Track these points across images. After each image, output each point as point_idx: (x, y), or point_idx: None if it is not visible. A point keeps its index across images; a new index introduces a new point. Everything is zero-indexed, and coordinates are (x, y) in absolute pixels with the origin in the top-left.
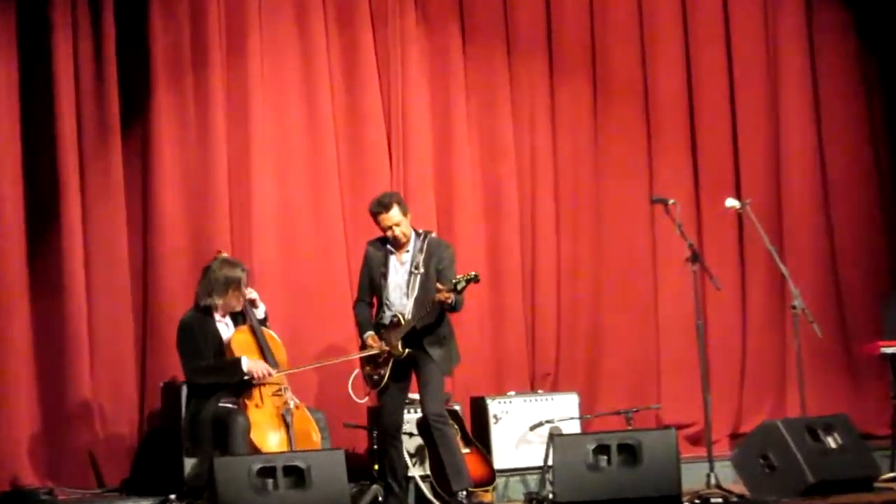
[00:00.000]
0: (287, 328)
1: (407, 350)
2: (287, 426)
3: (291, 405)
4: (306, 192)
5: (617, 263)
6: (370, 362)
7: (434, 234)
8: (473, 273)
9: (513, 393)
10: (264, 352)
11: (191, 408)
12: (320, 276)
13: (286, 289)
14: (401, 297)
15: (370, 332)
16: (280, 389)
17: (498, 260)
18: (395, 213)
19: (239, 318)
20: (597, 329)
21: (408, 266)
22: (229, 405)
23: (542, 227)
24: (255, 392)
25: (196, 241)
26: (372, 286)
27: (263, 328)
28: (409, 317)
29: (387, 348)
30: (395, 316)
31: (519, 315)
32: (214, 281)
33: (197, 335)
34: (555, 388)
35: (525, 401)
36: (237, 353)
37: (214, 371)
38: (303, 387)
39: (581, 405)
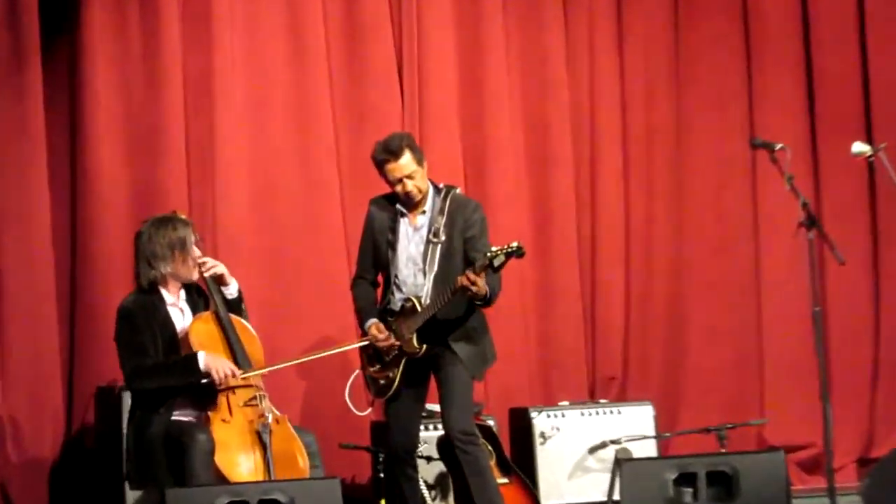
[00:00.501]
0: (264, 315)
1: (424, 346)
2: (264, 446)
3: (270, 419)
4: (289, 137)
5: (704, 230)
6: (375, 361)
7: (459, 191)
8: (515, 244)
9: (566, 403)
10: (233, 346)
11: (135, 422)
12: (307, 246)
13: (261, 263)
14: (415, 273)
15: (373, 321)
16: (255, 398)
17: (546, 226)
18: (406, 162)
19: (200, 303)
20: (678, 318)
21: (424, 232)
22: (187, 419)
23: (605, 181)
24: (222, 401)
25: (141, 204)
26: (377, 259)
27: (234, 316)
28: (428, 302)
29: (397, 343)
30: (407, 300)
31: (574, 298)
32: (151, 248)
33: (140, 324)
34: (622, 396)
35: (582, 414)
36: (196, 349)
37: (162, 371)
38: (285, 395)
39: (657, 420)
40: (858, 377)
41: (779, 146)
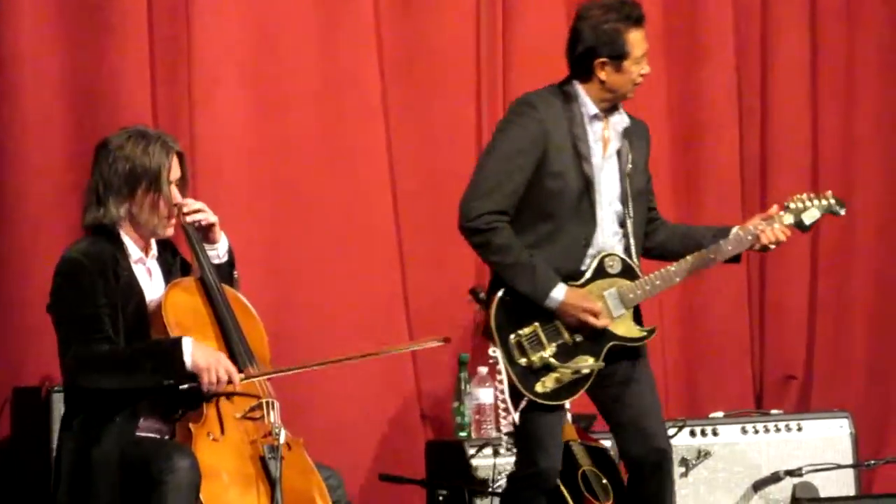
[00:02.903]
0: (264, 287)
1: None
2: (271, 480)
3: (282, 439)
4: (305, 16)
5: None
6: (536, 347)
7: None
8: (832, 197)
9: (720, 414)
10: (228, 331)
11: (74, 436)
12: (333, 180)
13: (262, 207)
14: (613, 219)
15: (565, 286)
16: (258, 406)
17: (695, 146)
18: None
19: (176, 263)
20: (890, 290)
21: (615, 160)
22: (157, 435)
23: (779, 79)
24: (210, 411)
25: (81, 128)
26: (539, 191)
27: (228, 287)
28: (674, 268)
29: (601, 323)
30: (609, 258)
31: (733, 268)
32: (109, 170)
33: (92, 287)
34: (804, 405)
35: (744, 430)
36: (174, 330)
37: (125, 363)
38: (295, 411)
39: (857, 439)
40: None
41: None
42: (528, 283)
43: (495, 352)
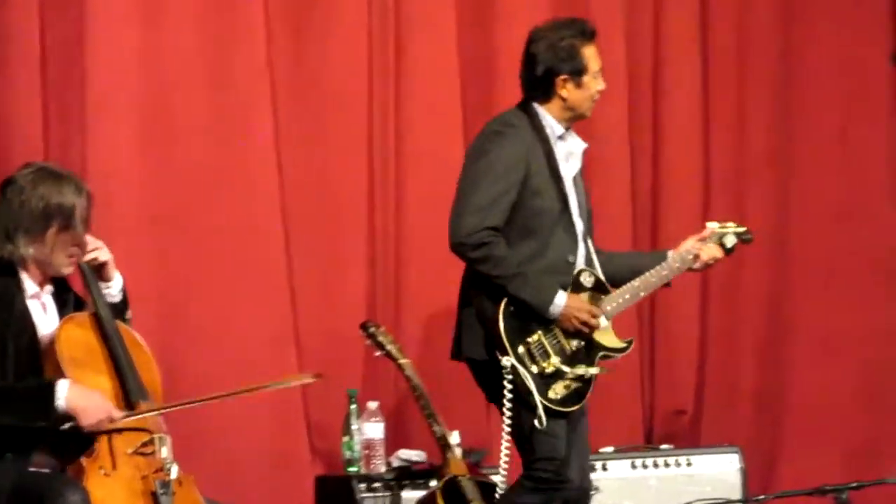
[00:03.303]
0: (154, 319)
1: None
2: None
3: (173, 475)
4: (196, 47)
5: (821, 188)
6: (545, 357)
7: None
8: (742, 227)
9: (609, 450)
10: (121, 367)
11: None
12: (222, 210)
13: (151, 239)
14: (582, 233)
15: (565, 293)
16: (150, 441)
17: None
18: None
19: (70, 298)
20: (779, 322)
21: (578, 179)
22: (47, 470)
23: (673, 119)
24: (102, 446)
25: None
26: (529, 208)
27: (121, 323)
28: (638, 282)
29: (602, 324)
30: (584, 273)
31: None
32: (21, 209)
33: None
34: (695, 440)
35: (633, 465)
36: (67, 365)
37: (4, 401)
38: (184, 447)
39: (747, 474)
40: None
41: None
42: (532, 291)
43: (508, 360)
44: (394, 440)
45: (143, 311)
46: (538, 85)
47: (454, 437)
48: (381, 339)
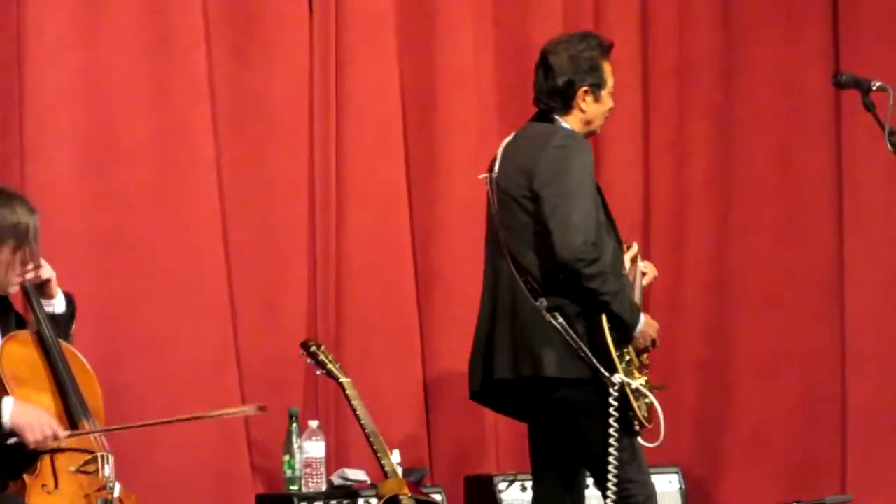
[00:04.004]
0: (96, 339)
1: None
2: None
3: (115, 493)
4: (137, 64)
5: (762, 210)
6: (638, 371)
7: None
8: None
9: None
10: (64, 385)
11: None
12: (164, 231)
13: (93, 258)
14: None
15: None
16: (93, 460)
17: None
18: None
19: (11, 317)
20: (720, 342)
21: None
22: None
23: (614, 136)
24: (45, 463)
25: None
26: (597, 220)
27: (63, 341)
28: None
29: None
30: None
31: None
32: None
33: None
34: None
35: None
36: (9, 383)
37: None
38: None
39: (687, 494)
40: None
41: (876, 85)
42: (629, 309)
43: (619, 377)
44: (335, 459)
45: (84, 330)
46: (558, 96)
47: (394, 456)
48: (321, 357)
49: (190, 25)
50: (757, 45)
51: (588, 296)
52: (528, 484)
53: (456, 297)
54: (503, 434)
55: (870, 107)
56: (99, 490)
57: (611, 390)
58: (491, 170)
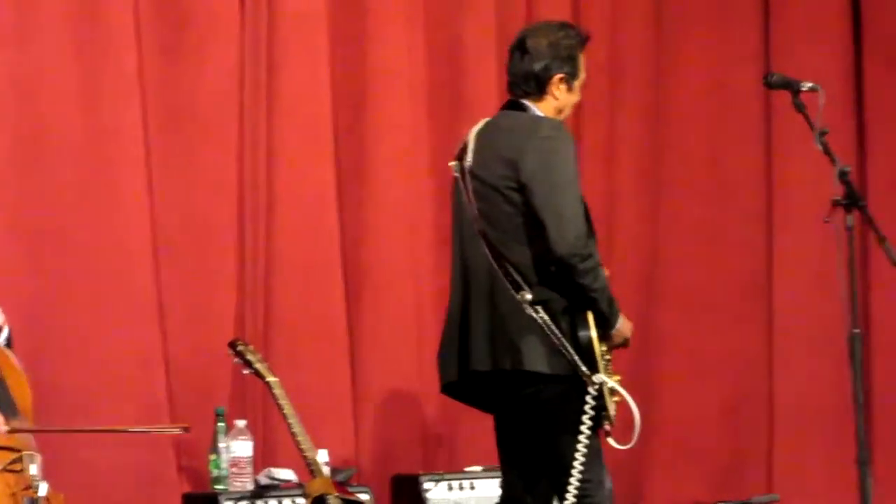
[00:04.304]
0: (22, 337)
1: None
2: None
3: (41, 492)
4: (65, 58)
5: (690, 211)
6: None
7: None
8: None
9: (477, 469)
10: None
11: None
12: (91, 227)
13: (17, 254)
14: None
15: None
16: (19, 459)
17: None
18: None
19: None
20: (647, 342)
21: None
22: None
23: None
24: None
25: None
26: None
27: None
28: None
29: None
30: None
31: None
32: None
33: None
34: None
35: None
36: None
37: None
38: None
39: (614, 493)
40: None
41: (806, 85)
42: (610, 303)
43: (600, 377)
44: (262, 458)
45: (12, 328)
46: (534, 80)
47: (322, 456)
48: (249, 357)
49: (121, 24)
50: (688, 44)
51: (578, 291)
52: (455, 483)
53: (384, 297)
54: (431, 434)
55: (800, 107)
56: (25, 489)
57: (590, 388)
58: (461, 158)
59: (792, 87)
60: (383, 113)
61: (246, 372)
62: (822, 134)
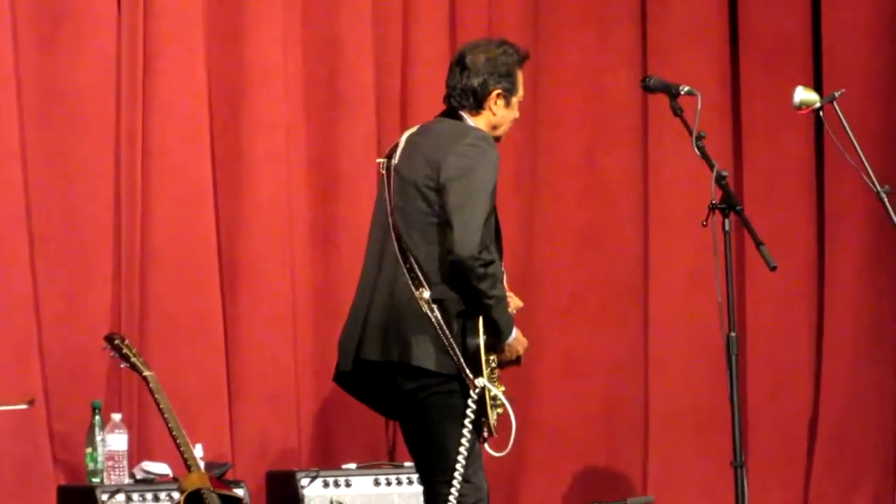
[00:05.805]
0: None
1: None
2: None
3: None
4: None
5: (566, 214)
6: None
7: None
8: None
9: (352, 466)
10: None
11: None
12: None
13: None
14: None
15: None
16: None
17: (334, 197)
18: None
19: None
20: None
21: None
22: None
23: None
24: None
25: None
26: (489, 224)
27: None
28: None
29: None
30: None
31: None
32: None
33: None
34: None
35: (377, 482)
36: None
37: None
38: None
39: (489, 493)
40: (790, 433)
41: (684, 89)
42: (507, 317)
43: (482, 381)
44: (137, 452)
45: None
46: (471, 95)
47: (197, 450)
48: (125, 351)
49: None
50: (565, 47)
51: (474, 295)
52: (331, 480)
53: (260, 293)
54: (306, 430)
55: (677, 111)
56: None
57: (472, 392)
58: (390, 157)
59: (670, 90)
60: (260, 109)
61: (122, 366)
62: (700, 138)
